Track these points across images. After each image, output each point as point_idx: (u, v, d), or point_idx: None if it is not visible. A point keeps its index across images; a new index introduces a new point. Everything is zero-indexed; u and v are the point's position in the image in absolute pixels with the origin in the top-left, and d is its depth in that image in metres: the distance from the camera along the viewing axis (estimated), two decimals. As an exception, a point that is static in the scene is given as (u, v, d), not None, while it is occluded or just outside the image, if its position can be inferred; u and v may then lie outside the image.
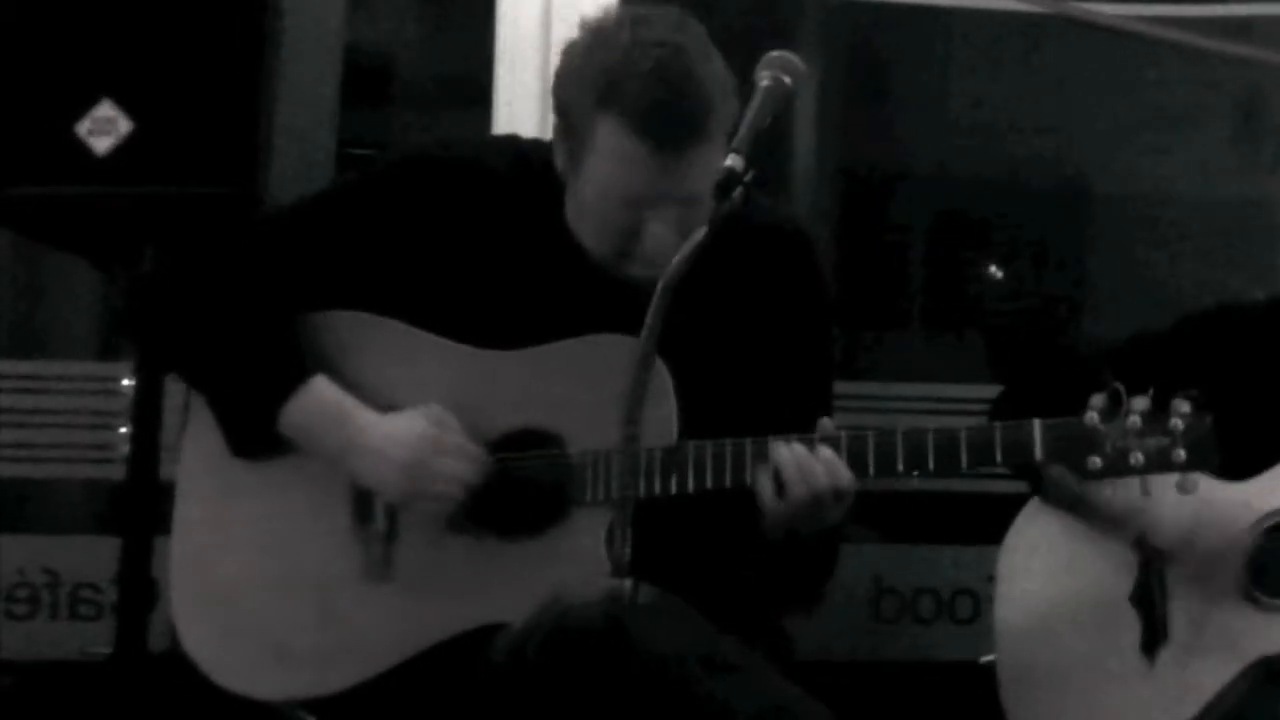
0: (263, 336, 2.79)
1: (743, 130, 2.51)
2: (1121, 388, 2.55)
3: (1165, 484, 2.69)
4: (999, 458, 2.59)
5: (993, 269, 5.24)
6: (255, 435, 2.79)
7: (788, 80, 2.57)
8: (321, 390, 2.74)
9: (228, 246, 2.88)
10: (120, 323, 3.12)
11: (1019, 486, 3.20)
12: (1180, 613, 3.05)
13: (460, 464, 2.69)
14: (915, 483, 4.43)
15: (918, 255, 5.42)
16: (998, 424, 2.62)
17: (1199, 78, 5.00)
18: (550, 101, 2.81)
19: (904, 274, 5.38)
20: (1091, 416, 2.56)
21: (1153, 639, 3.06)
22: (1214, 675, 3.01)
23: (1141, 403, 2.55)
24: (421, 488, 2.70)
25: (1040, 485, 3.14)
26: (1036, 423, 2.58)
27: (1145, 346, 3.14)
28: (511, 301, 2.79)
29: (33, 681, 3.99)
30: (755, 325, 2.81)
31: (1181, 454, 2.54)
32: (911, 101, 5.34)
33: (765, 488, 2.59)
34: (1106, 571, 3.11)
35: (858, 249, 5.29)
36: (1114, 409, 2.56)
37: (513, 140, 3.02)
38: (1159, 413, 2.55)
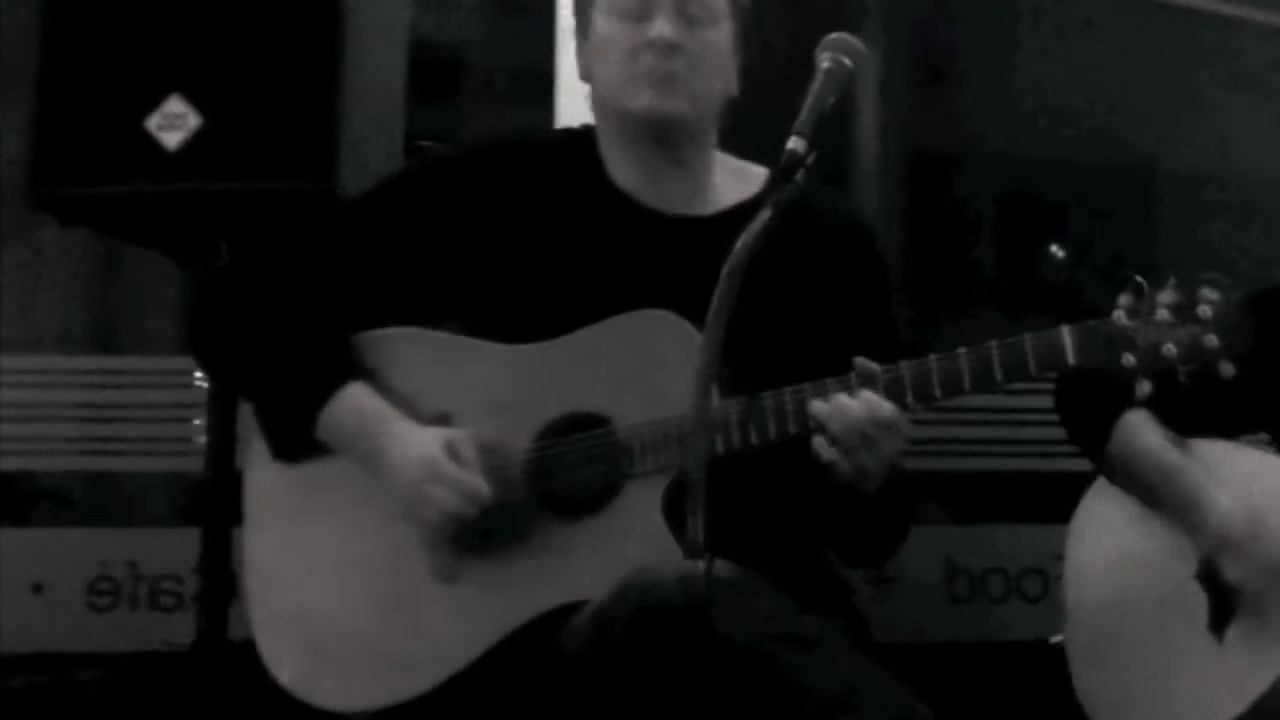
0: (305, 343, 2.82)
1: (804, 113, 2.51)
2: (1143, 281, 2.50)
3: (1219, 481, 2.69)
4: (1033, 369, 2.55)
5: (1054, 249, 5.22)
6: (294, 439, 2.82)
7: (848, 62, 2.57)
8: (357, 397, 2.77)
9: (281, 250, 2.91)
10: (187, 330, 3.16)
11: (1087, 464, 3.20)
12: (1248, 590, 3.05)
13: (450, 496, 2.69)
14: (984, 463, 4.46)
15: (985, 236, 5.42)
16: (1028, 335, 2.56)
17: (1266, 53, 4.97)
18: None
19: (971, 255, 5.37)
20: (1119, 315, 2.50)
21: (1221, 616, 3.06)
22: None
23: (1168, 295, 2.49)
24: (417, 509, 2.72)
25: (1105, 464, 3.14)
26: (1065, 328, 2.54)
27: None
28: (568, 261, 2.82)
29: (115, 673, 4.03)
30: (818, 304, 2.82)
31: (1214, 339, 2.47)
32: (977, 82, 5.33)
33: (819, 442, 2.60)
34: (1174, 549, 3.10)
35: (925, 231, 5.29)
36: (1140, 304, 2.50)
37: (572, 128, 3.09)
38: (1186, 302, 2.49)
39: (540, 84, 4.21)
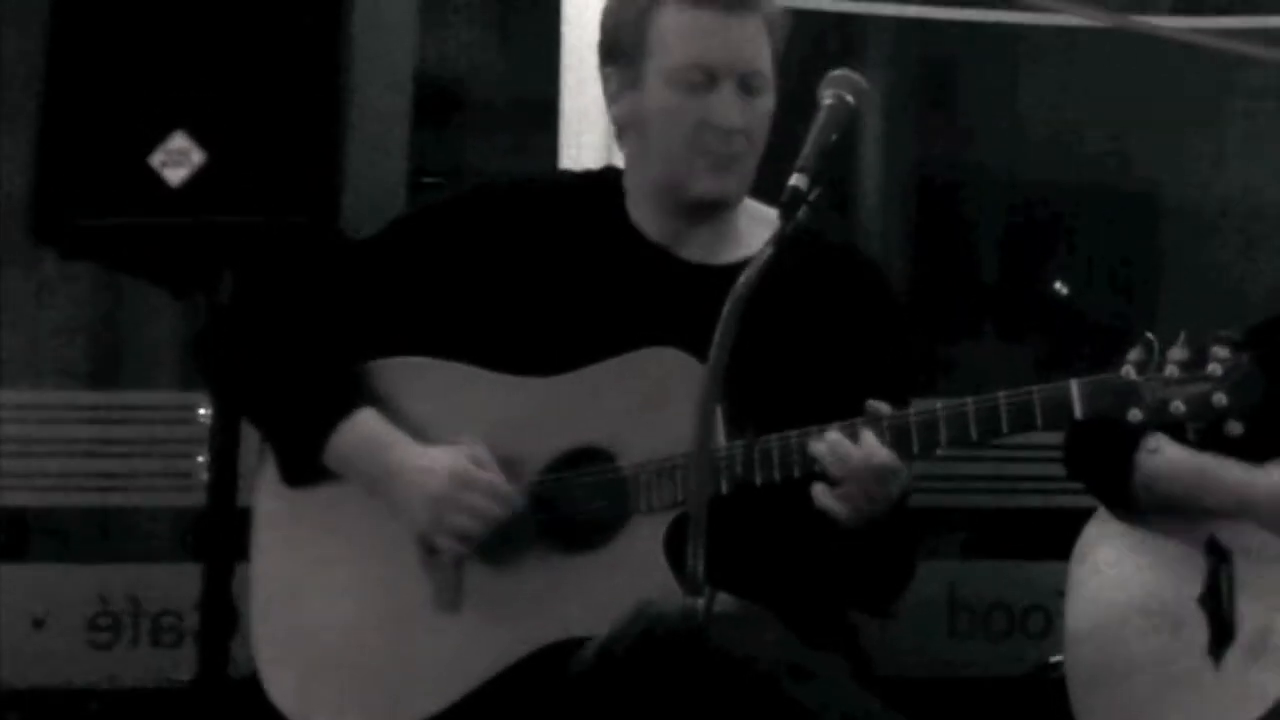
0: (315, 371, 2.85)
1: (807, 149, 2.53)
2: (1154, 338, 2.50)
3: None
4: (1040, 422, 2.56)
5: (1057, 285, 5.22)
6: (304, 466, 2.84)
7: (850, 99, 2.59)
8: (367, 422, 2.79)
9: (292, 282, 2.94)
10: (192, 355, 3.19)
11: (1091, 501, 3.20)
12: (1247, 615, 3.05)
13: (486, 501, 2.72)
14: (988, 499, 4.46)
15: (990, 265, 5.42)
16: (1036, 387, 2.57)
17: (1268, 85, 4.98)
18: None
19: (976, 284, 5.37)
20: (1128, 369, 2.50)
21: (1219, 641, 3.06)
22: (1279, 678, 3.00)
23: (1178, 352, 2.48)
24: (446, 521, 2.73)
25: (1130, 506, 3.13)
26: (1074, 381, 2.53)
27: None
28: (583, 301, 2.84)
29: (115, 708, 4.03)
30: (830, 345, 2.83)
31: (1223, 397, 2.46)
32: (982, 111, 5.34)
33: (819, 490, 2.60)
34: (1175, 573, 3.11)
35: (929, 259, 5.29)
36: (1150, 360, 2.50)
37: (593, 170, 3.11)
38: (1197, 359, 2.48)
39: (545, 114, 4.21)
